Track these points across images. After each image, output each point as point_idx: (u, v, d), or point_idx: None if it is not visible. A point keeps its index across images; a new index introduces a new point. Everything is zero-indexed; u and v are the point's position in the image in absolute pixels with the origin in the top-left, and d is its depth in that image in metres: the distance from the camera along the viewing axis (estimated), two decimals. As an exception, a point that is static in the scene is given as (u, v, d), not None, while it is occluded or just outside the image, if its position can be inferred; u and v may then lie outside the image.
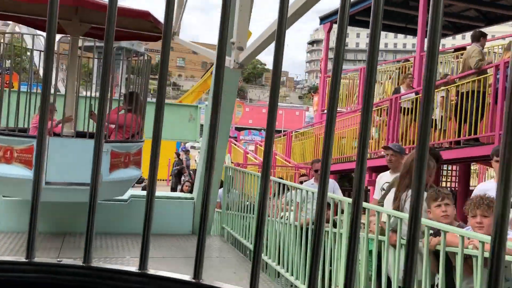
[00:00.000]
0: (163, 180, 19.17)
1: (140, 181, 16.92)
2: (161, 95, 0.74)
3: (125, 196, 6.48)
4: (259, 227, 0.69)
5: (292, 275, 4.81)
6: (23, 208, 5.81)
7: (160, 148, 0.75)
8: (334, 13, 12.98)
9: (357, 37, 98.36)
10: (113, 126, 5.25)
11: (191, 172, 14.23)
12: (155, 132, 0.73)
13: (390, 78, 11.99)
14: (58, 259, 0.74)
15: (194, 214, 6.52)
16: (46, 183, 4.51)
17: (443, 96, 7.39)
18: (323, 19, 13.34)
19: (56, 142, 4.70)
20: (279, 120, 51.08)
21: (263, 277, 4.97)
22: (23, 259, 0.70)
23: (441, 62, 11.46)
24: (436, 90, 7.68)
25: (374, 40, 0.63)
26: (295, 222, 5.25)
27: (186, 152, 18.40)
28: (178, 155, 16.91)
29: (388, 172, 4.95)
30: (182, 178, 13.30)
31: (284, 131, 17.55)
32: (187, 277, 0.71)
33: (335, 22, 13.19)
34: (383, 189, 4.78)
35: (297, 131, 13.75)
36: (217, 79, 0.74)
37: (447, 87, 7.34)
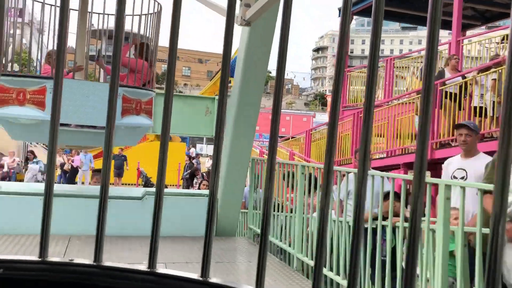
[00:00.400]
0: (173, 185, 18.35)
1: (150, 186, 16.18)
2: (173, 50, 0.70)
3: (139, 193, 5.69)
4: (264, 227, 0.67)
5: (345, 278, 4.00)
6: (35, 208, 5.13)
7: (170, 124, 0.72)
8: (355, 3, 12.22)
9: (363, 44, 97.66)
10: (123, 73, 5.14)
11: (204, 174, 13.42)
12: (166, 98, 0.71)
13: (415, 72, 11.18)
14: (70, 258, 0.73)
15: (218, 213, 5.69)
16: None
17: (494, 79, 6.56)
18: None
19: (68, 83, 4.64)
20: (287, 126, 50.34)
21: (309, 285, 4.14)
22: (36, 258, 0.71)
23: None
24: (486, 73, 6.85)
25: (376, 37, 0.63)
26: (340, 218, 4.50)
27: (196, 156, 17.62)
28: (189, 157, 16.15)
29: (458, 156, 4.11)
30: (195, 180, 12.50)
31: (292, 137, 16.81)
32: (195, 275, 0.70)
33: (356, 13, 12.43)
34: (455, 177, 3.94)
35: (316, 130, 12.95)
36: (227, 35, 0.70)
37: (499, 68, 6.51)
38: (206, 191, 6.06)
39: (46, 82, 4.62)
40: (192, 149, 25.20)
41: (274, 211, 5.81)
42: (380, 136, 10.21)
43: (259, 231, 5.75)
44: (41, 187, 7.11)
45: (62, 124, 4.52)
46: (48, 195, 0.71)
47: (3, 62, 4.82)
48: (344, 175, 5.69)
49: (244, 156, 5.58)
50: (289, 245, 4.91)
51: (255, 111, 5.32)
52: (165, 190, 4.89)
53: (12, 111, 4.69)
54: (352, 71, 12.60)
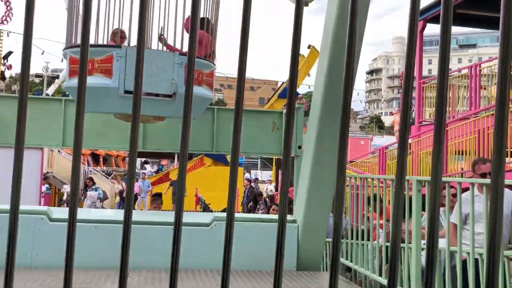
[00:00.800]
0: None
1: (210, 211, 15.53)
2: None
3: (207, 219, 4.88)
4: (334, 256, 0.69)
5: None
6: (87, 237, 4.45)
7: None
8: (428, 8, 11.18)
9: (429, 64, 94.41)
10: None
11: (266, 199, 12.54)
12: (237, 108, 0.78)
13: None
14: None
15: (299, 243, 4.76)
16: (124, 91, 4.68)
17: None
18: (414, 18, 11.53)
19: (133, 51, 4.79)
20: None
21: None
22: None
23: None
24: None
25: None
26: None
27: (255, 180, 16.83)
28: (249, 181, 15.36)
29: None
30: (257, 206, 11.66)
31: (351, 161, 15.78)
32: None
33: (429, 20, 11.36)
34: None
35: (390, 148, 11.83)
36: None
37: None
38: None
39: (113, 51, 4.80)
40: (247, 174, 24.47)
41: (359, 239, 4.89)
42: (461, 153, 8.98)
43: (349, 263, 4.78)
44: (95, 213, 6.52)
45: (129, 92, 4.69)
46: (127, 227, 0.76)
47: (73, 35, 5.12)
48: (454, 195, 4.66)
49: (330, 174, 4.65)
50: (401, 285, 3.91)
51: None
52: (236, 215, 3.95)
53: None
54: (427, 82, 11.46)
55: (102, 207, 14.53)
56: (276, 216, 5.51)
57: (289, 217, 5.11)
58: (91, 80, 4.73)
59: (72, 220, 0.64)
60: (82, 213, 4.99)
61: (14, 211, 0.96)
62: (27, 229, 4.32)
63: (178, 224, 0.62)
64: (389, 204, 5.82)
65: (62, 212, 5.16)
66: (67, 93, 7.18)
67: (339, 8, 3.82)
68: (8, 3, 12.05)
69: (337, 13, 4.18)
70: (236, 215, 4.85)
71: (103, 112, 5.31)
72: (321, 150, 4.66)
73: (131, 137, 0.68)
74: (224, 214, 4.13)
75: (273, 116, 7.74)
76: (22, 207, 3.97)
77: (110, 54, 4.79)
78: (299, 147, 6.93)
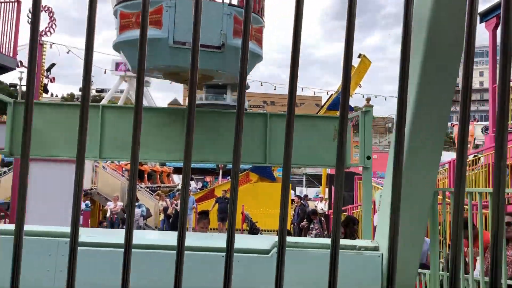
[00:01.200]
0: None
1: (256, 231, 14.62)
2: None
3: (266, 244, 3.96)
4: None
5: None
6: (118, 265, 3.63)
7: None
8: (496, 7, 9.97)
9: (480, 76, 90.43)
10: None
11: (322, 219, 11.48)
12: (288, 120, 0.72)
13: None
14: None
15: (383, 276, 3.76)
16: (174, 42, 4.74)
17: None
18: (485, 15, 10.35)
19: (182, 1, 4.78)
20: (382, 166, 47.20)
21: None
22: None
23: None
24: None
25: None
26: None
27: (304, 197, 15.79)
28: (300, 198, 14.34)
29: None
30: (311, 226, 10.64)
31: None
32: None
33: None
34: None
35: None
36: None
37: None
38: (364, 242, 4.14)
39: (163, 1, 4.72)
40: (292, 192, 23.40)
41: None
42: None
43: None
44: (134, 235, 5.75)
45: (178, 42, 4.73)
46: (179, 259, 0.76)
47: None
48: None
49: (424, 190, 3.64)
50: None
51: (443, 116, 3.40)
52: (299, 239, 2.91)
53: (132, 34, 4.88)
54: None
55: (146, 225, 13.93)
56: (352, 242, 4.48)
57: (368, 243, 4.09)
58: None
59: (127, 247, 0.63)
60: (116, 235, 4.18)
61: (74, 236, 0.85)
62: (49, 255, 3.52)
63: (229, 255, 0.58)
64: (486, 229, 4.73)
65: (93, 234, 4.38)
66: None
67: (432, 10, 2.94)
68: (51, 14, 11.85)
69: (429, 16, 3.30)
70: (300, 239, 3.71)
71: (152, 69, 5.21)
72: (413, 162, 3.67)
73: (189, 103, 0.67)
74: (288, 239, 3.12)
75: (334, 122, 6.77)
76: (42, 228, 3.02)
77: (160, 5, 4.71)
78: (368, 158, 5.92)
